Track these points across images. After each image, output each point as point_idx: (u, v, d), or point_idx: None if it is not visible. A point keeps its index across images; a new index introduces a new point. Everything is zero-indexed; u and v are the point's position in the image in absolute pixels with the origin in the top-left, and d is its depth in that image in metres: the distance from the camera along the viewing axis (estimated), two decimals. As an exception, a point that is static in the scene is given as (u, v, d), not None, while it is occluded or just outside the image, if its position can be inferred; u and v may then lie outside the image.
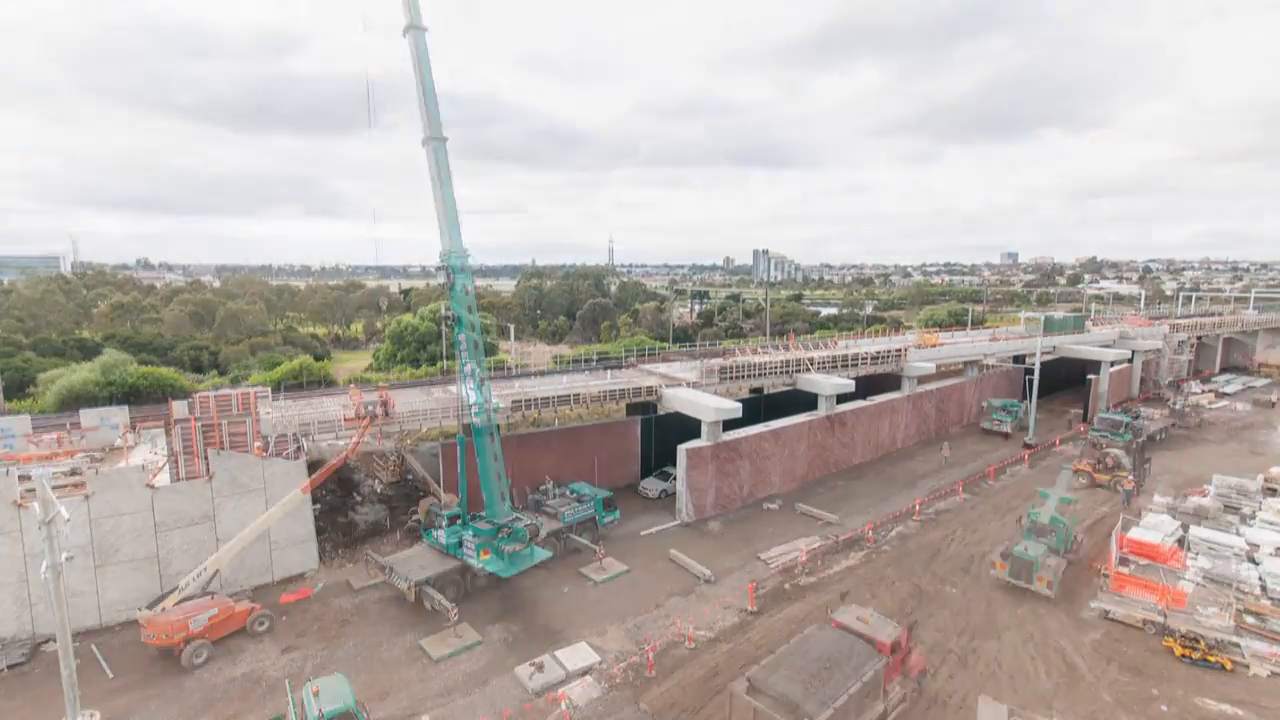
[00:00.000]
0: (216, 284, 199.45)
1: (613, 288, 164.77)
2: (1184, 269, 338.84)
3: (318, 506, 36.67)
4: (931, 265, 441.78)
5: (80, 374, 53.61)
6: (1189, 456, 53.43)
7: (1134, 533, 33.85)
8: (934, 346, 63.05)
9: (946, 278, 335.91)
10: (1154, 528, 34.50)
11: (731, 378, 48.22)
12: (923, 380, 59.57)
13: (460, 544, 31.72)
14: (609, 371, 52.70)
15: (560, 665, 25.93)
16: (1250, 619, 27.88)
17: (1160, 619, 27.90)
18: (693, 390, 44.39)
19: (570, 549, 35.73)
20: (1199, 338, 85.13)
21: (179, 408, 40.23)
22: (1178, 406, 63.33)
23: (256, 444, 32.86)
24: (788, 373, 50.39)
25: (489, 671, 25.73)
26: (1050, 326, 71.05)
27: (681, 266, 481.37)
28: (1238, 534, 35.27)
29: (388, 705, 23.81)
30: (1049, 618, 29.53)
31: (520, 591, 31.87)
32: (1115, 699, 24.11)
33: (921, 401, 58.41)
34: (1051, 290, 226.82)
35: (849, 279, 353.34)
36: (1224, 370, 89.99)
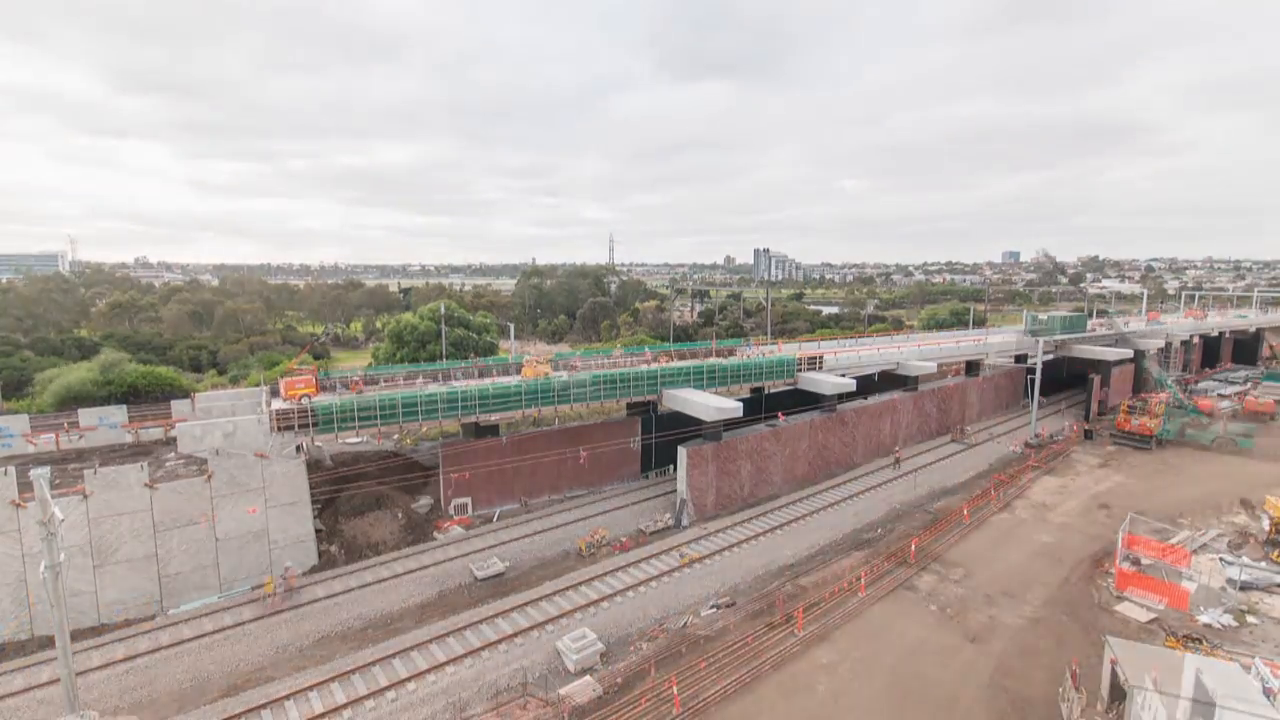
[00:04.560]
0: (215, 283, 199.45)
1: (613, 286, 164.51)
2: (1186, 268, 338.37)
3: (317, 505, 36.56)
4: (933, 264, 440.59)
5: (78, 373, 53.56)
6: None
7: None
8: (936, 345, 62.77)
9: (948, 276, 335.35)
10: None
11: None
12: (923, 379, 59.29)
13: None
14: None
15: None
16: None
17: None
18: (693, 389, 44.21)
19: None
20: (1202, 335, 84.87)
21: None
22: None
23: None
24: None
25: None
26: (1055, 326, 70.48)
27: (682, 265, 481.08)
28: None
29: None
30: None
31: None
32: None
33: (923, 401, 58.17)
34: (1053, 289, 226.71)
35: (850, 278, 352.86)
36: (1228, 368, 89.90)
